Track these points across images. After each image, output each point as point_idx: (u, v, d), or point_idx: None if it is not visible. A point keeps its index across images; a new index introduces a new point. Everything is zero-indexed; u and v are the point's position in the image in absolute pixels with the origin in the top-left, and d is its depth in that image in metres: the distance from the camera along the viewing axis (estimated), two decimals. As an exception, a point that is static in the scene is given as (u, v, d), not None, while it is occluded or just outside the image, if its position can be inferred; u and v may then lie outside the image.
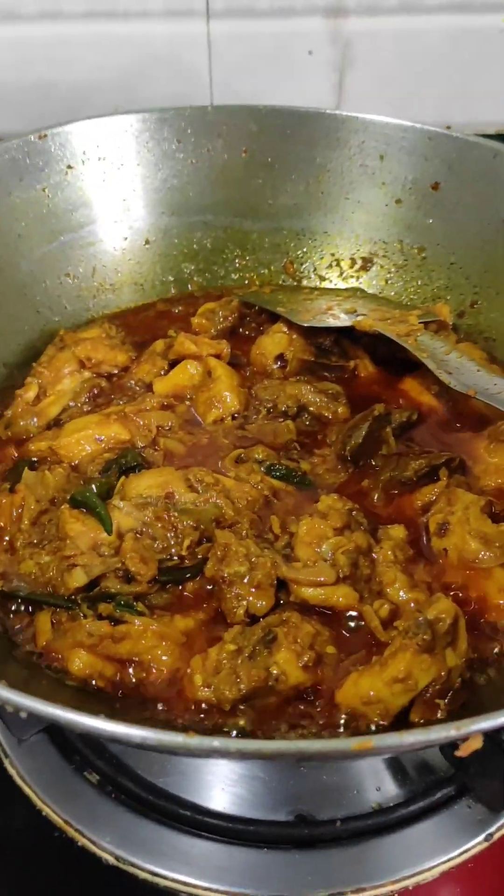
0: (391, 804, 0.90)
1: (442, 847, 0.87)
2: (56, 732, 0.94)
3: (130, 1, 1.47)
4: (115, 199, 1.23)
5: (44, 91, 1.58)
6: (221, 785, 0.92)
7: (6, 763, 0.93)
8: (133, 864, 0.85)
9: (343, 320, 1.10)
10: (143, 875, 0.85)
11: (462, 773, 0.89)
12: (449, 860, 0.86)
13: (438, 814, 0.89)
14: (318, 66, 1.57)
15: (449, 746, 0.90)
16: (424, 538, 0.90)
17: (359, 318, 1.08)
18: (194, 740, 0.50)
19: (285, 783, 0.92)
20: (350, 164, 1.25)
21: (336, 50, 1.55)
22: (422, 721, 0.73)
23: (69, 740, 0.93)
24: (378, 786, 0.92)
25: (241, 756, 0.51)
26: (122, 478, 0.92)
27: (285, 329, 1.12)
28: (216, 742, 0.51)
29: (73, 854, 0.87)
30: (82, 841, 0.87)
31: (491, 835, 0.87)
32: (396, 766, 0.94)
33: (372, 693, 0.71)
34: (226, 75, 1.57)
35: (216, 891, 0.84)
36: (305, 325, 1.10)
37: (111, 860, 0.86)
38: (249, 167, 1.26)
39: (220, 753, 0.50)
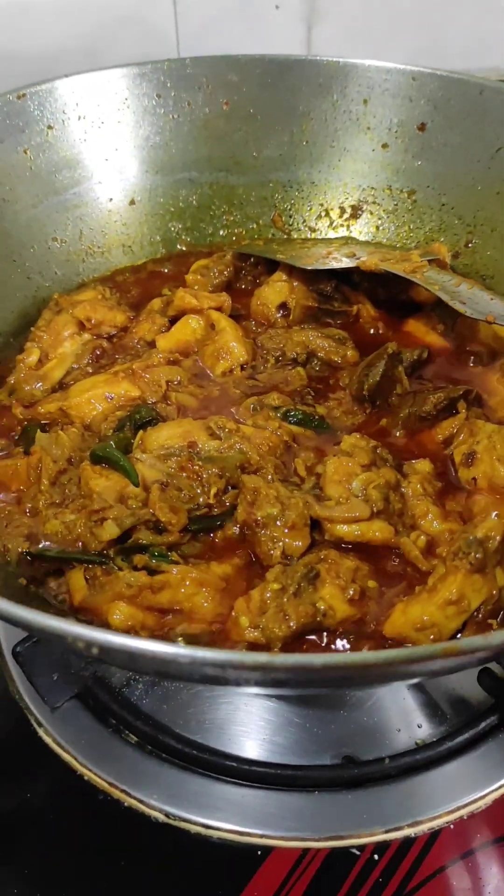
0: (435, 739, 0.90)
1: (491, 775, 0.87)
2: (88, 697, 0.92)
3: (92, -39, 1.43)
4: (97, 158, 1.20)
5: (7, 61, 1.53)
6: (262, 735, 0.91)
7: (41, 732, 0.91)
8: (184, 819, 0.84)
9: (346, 263, 1.08)
10: (195, 829, 0.83)
11: (502, 701, 0.89)
12: (500, 787, 0.86)
13: (483, 744, 0.89)
14: (285, 19, 1.55)
15: (488, 675, 0.90)
16: (452, 470, 0.90)
17: (362, 259, 1.06)
18: (279, 658, 0.49)
19: (326, 728, 0.92)
20: (334, 110, 1.23)
21: (304, 3, 1.53)
22: (474, 643, 0.73)
23: (102, 703, 0.91)
24: (418, 723, 0.92)
25: (325, 670, 0.49)
26: (141, 432, 0.90)
27: (285, 277, 1.11)
28: (300, 658, 0.49)
29: (120, 815, 0.85)
30: (129, 801, 0.85)
31: (539, 758, 0.87)
32: (431, 703, 0.94)
33: (426, 618, 0.71)
34: (192, 34, 1.54)
35: (271, 837, 0.83)
36: (309, 268, 1.08)
37: (161, 817, 0.84)
38: (231, 120, 1.24)
39: (304, 669, 0.49)
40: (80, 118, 1.17)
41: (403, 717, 0.93)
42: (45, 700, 0.88)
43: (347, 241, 1.25)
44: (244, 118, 1.24)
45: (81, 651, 0.51)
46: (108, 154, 1.21)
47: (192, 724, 0.91)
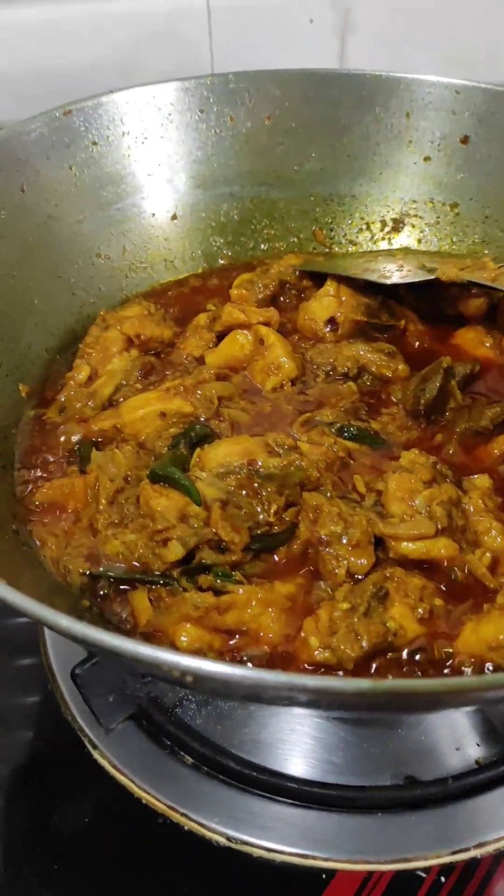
0: (495, 759, 0.89)
1: None
2: (143, 718, 0.91)
3: (127, -23, 1.44)
4: (141, 174, 1.20)
5: (40, 76, 1.54)
6: (317, 756, 0.90)
7: (96, 754, 0.90)
8: (246, 843, 0.83)
9: (423, 274, 1.07)
10: (257, 853, 0.82)
11: None
12: None
13: (548, 762, 0.88)
14: (319, 33, 1.55)
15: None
16: (512, 485, 0.89)
17: (441, 270, 1.05)
18: (382, 684, 0.48)
19: (383, 747, 0.91)
20: (375, 124, 1.23)
21: (337, 16, 1.53)
22: (547, 663, 0.72)
23: (157, 724, 0.91)
24: (477, 742, 0.91)
25: (390, 695, 0.48)
26: (198, 449, 0.89)
27: (332, 292, 1.10)
28: (365, 683, 0.48)
29: (181, 838, 0.84)
30: (189, 824, 0.84)
31: None
32: (488, 722, 0.93)
33: (501, 637, 0.70)
34: (227, 47, 1.54)
35: (335, 860, 0.82)
36: (388, 283, 1.07)
37: (223, 841, 0.83)
38: (273, 134, 1.24)
39: (371, 694, 0.48)
40: (124, 134, 1.17)
41: (460, 736, 0.91)
42: (100, 722, 0.87)
43: (406, 251, 1.24)
44: (286, 132, 1.24)
45: (174, 680, 0.51)
46: (151, 169, 1.21)
47: (247, 744, 0.90)
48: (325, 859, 0.82)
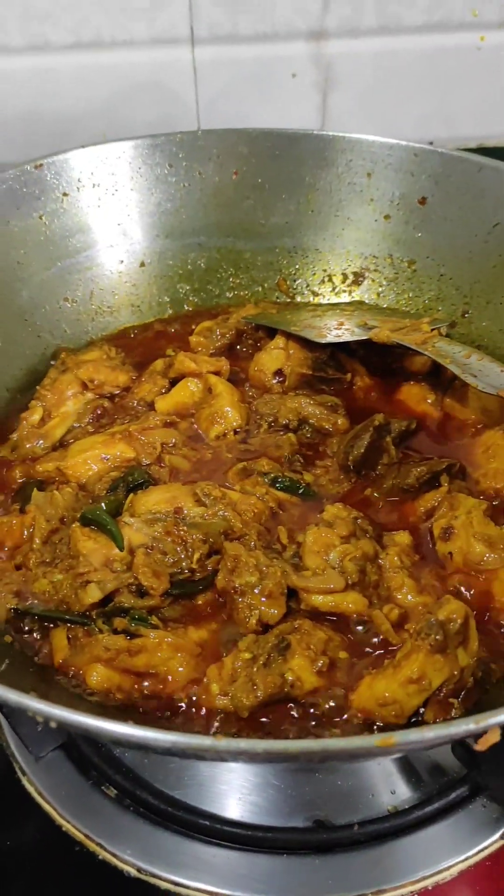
0: (406, 806, 0.91)
1: (458, 847, 0.88)
2: (72, 748, 0.95)
3: (116, 30, 1.50)
4: (110, 223, 1.26)
5: (31, 121, 1.60)
6: (237, 794, 0.93)
7: (24, 781, 0.94)
8: (155, 876, 0.86)
9: (359, 333, 1.12)
10: (165, 885, 0.86)
11: (475, 772, 0.90)
12: (466, 859, 0.87)
13: (454, 814, 0.90)
14: (301, 87, 1.60)
15: (461, 746, 0.92)
16: (430, 543, 0.93)
17: (375, 331, 1.10)
18: (222, 742, 0.52)
19: (300, 790, 0.94)
20: (338, 182, 1.28)
21: (319, 72, 1.59)
22: (437, 720, 0.75)
23: (85, 756, 0.94)
24: (392, 789, 0.94)
25: (267, 757, 0.52)
26: (131, 495, 0.94)
27: (282, 344, 1.14)
28: (243, 743, 0.52)
29: (94, 867, 0.88)
30: (103, 854, 0.88)
31: (507, 832, 0.88)
32: (409, 768, 0.96)
33: (387, 694, 0.73)
34: (212, 99, 1.60)
35: (239, 898, 0.85)
36: (323, 342, 1.12)
37: (133, 872, 0.87)
38: (240, 188, 1.29)
39: (247, 755, 0.52)
40: (94, 186, 1.23)
41: (378, 781, 0.94)
42: (29, 749, 0.92)
43: (357, 305, 1.29)
44: (253, 187, 1.29)
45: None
46: (120, 219, 1.26)
47: (172, 779, 0.94)
48: (229, 896, 0.85)
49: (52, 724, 0.54)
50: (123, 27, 1.50)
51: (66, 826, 0.90)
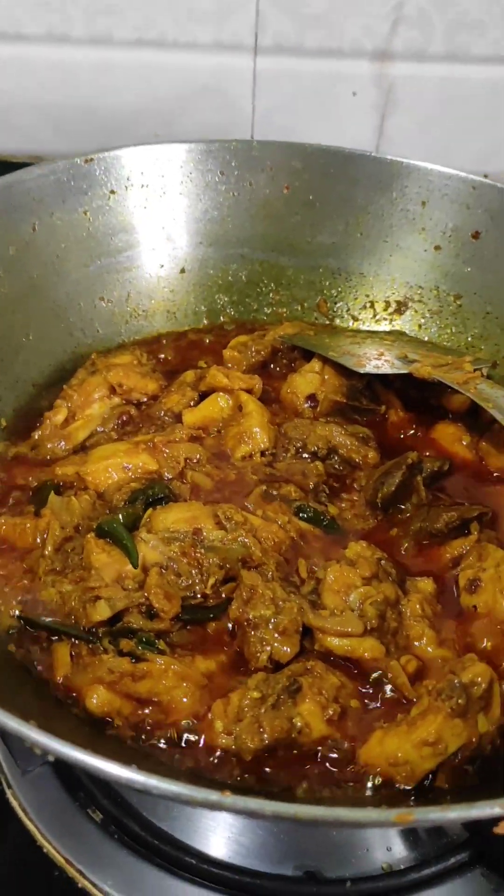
0: (402, 867, 0.87)
1: (453, 915, 0.84)
2: (61, 766, 0.91)
3: (180, 31, 1.48)
4: (154, 226, 1.23)
5: (86, 115, 1.59)
6: (227, 833, 0.89)
7: (9, 794, 0.90)
8: (134, 912, 0.82)
9: (398, 366, 1.08)
10: (143, 923, 0.82)
11: (477, 838, 0.86)
12: (461, 929, 0.83)
13: (451, 880, 0.86)
14: (360, 107, 1.58)
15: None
16: (454, 592, 0.89)
17: (416, 366, 1.06)
18: (229, 800, 0.48)
19: (292, 836, 0.89)
20: (391, 207, 1.25)
21: (380, 93, 1.56)
22: (447, 786, 0.71)
23: (74, 775, 0.91)
24: (388, 846, 0.90)
25: (276, 818, 0.49)
26: (150, 510, 0.90)
27: (318, 368, 1.11)
28: (252, 803, 0.49)
29: (73, 894, 0.84)
30: (83, 882, 0.84)
31: (507, 906, 0.84)
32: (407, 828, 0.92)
33: (399, 754, 0.69)
34: (268, 110, 1.58)
35: (219, 946, 0.81)
36: (362, 371, 1.08)
37: (112, 905, 0.83)
38: (290, 203, 1.26)
39: (254, 814, 0.48)
40: (143, 186, 1.21)
41: (375, 836, 0.90)
42: (17, 763, 0.88)
43: (400, 336, 1.25)
44: (303, 203, 1.26)
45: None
46: (165, 223, 1.23)
47: (160, 809, 0.90)
48: (209, 943, 0.81)
49: (50, 759, 0.50)
50: (188, 29, 1.48)
51: (48, 847, 0.86)
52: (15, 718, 0.53)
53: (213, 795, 0.49)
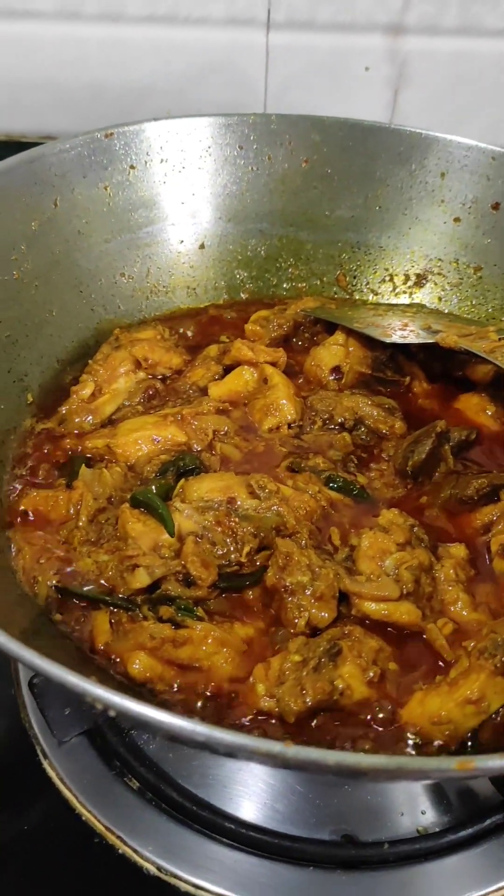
0: (437, 829, 0.88)
1: (491, 875, 0.85)
2: (96, 736, 0.92)
3: (193, 6, 1.47)
4: (174, 201, 1.22)
5: (98, 91, 1.58)
6: (263, 799, 0.90)
7: (45, 764, 0.91)
8: (176, 876, 0.83)
9: (424, 336, 1.08)
10: (185, 887, 0.83)
11: (511, 799, 0.87)
12: (498, 889, 0.84)
13: (487, 841, 0.87)
14: (373, 82, 1.57)
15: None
16: (486, 558, 0.89)
17: (441, 335, 1.06)
18: (292, 750, 0.49)
19: (329, 801, 0.90)
20: (410, 179, 1.25)
21: (393, 67, 1.55)
22: (488, 745, 0.72)
23: (110, 744, 0.91)
24: (423, 809, 0.91)
25: (338, 770, 0.49)
26: (182, 480, 0.91)
27: (342, 341, 1.11)
28: (314, 753, 0.49)
29: (113, 861, 0.85)
30: (123, 849, 0.85)
31: (541, 866, 0.85)
32: (440, 791, 0.92)
33: (443, 713, 0.70)
34: (281, 86, 1.57)
35: (260, 907, 0.82)
36: (388, 341, 1.08)
37: (153, 870, 0.84)
38: (309, 177, 1.26)
39: (317, 765, 0.49)
40: (162, 161, 1.20)
41: (408, 800, 0.91)
42: (53, 733, 0.89)
43: (418, 308, 1.25)
44: (321, 177, 1.26)
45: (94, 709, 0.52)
46: (185, 198, 1.23)
47: (195, 776, 0.91)
48: (249, 904, 0.82)
49: (111, 713, 0.51)
50: (200, 4, 1.47)
51: (87, 815, 0.87)
52: (79, 676, 0.53)
53: (276, 746, 0.49)
